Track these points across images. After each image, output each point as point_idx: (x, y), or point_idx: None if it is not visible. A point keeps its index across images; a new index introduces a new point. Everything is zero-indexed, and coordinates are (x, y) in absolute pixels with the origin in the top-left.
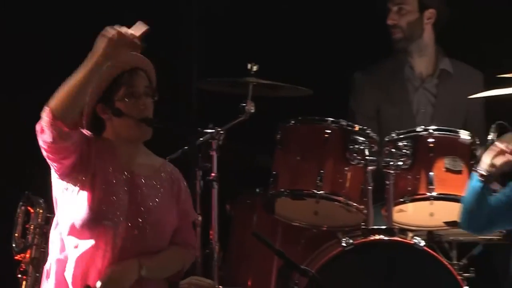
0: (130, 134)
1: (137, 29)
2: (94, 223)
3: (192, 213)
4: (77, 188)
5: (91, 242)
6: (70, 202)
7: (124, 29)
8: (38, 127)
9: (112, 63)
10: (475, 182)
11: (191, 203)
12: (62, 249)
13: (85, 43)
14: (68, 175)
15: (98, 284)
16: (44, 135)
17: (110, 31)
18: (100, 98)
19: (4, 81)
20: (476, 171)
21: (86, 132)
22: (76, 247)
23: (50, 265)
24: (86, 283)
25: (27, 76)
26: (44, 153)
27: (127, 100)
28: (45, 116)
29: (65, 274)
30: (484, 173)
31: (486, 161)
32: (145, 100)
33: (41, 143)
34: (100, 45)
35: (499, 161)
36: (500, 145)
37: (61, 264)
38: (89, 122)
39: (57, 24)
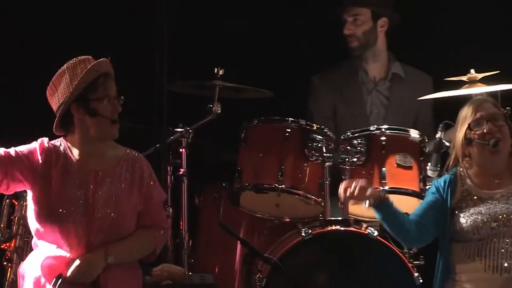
0: (101, 133)
1: None
2: (54, 226)
3: (158, 196)
4: (32, 198)
5: (56, 244)
6: (31, 210)
7: None
8: None
9: (89, 67)
10: (377, 215)
11: (157, 185)
12: (34, 251)
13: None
14: (30, 188)
15: (68, 274)
16: None
17: None
18: (75, 98)
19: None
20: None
21: (31, 149)
22: (44, 249)
23: (24, 268)
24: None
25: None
26: None
27: (103, 101)
28: None
29: (36, 275)
30: (372, 204)
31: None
32: (116, 102)
33: None
34: None
35: (368, 193)
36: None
37: (34, 265)
38: (61, 120)
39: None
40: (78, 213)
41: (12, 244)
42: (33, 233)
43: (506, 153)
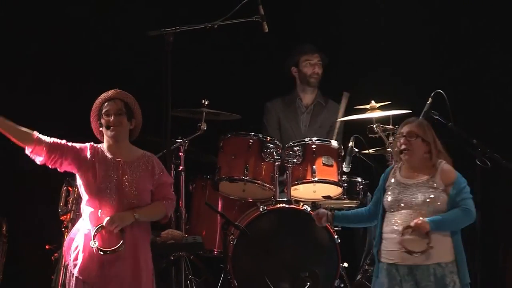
0: (107, 135)
1: None
2: (98, 197)
3: (166, 179)
4: (81, 180)
5: (99, 208)
6: (82, 188)
7: None
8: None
9: (100, 97)
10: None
11: (165, 174)
12: (84, 215)
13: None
14: (76, 171)
15: (105, 220)
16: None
17: None
18: (98, 116)
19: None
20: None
21: (82, 146)
22: (91, 212)
23: (79, 222)
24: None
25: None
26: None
27: (105, 116)
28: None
29: (87, 227)
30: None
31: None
32: (115, 117)
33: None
34: None
35: (322, 221)
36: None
37: (84, 222)
38: (97, 130)
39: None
40: (113, 188)
41: (68, 217)
42: (83, 203)
43: (416, 157)
